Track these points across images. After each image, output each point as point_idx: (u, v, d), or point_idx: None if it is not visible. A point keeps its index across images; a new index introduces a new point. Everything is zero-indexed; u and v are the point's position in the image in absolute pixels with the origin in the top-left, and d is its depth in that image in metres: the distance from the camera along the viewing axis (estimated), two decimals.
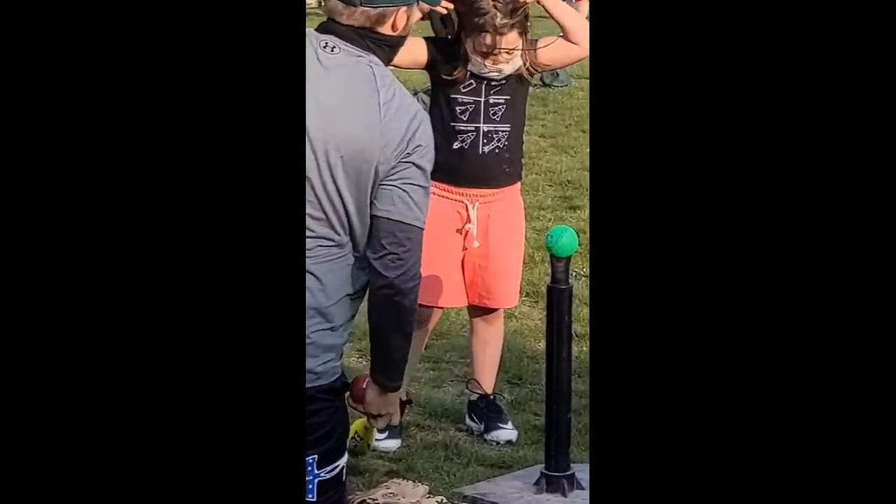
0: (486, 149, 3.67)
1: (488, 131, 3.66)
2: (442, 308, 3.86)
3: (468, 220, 3.70)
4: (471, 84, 3.66)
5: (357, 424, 3.02)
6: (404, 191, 2.73)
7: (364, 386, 2.81)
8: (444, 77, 3.68)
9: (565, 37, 3.66)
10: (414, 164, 2.71)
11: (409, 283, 2.72)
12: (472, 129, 3.65)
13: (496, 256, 3.77)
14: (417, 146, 2.70)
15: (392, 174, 2.67)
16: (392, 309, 2.73)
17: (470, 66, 3.61)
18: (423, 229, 2.73)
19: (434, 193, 3.36)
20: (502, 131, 3.68)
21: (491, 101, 3.67)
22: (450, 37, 3.67)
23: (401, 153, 2.72)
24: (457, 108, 3.64)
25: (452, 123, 3.64)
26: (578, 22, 3.71)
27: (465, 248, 3.72)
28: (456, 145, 3.64)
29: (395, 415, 2.92)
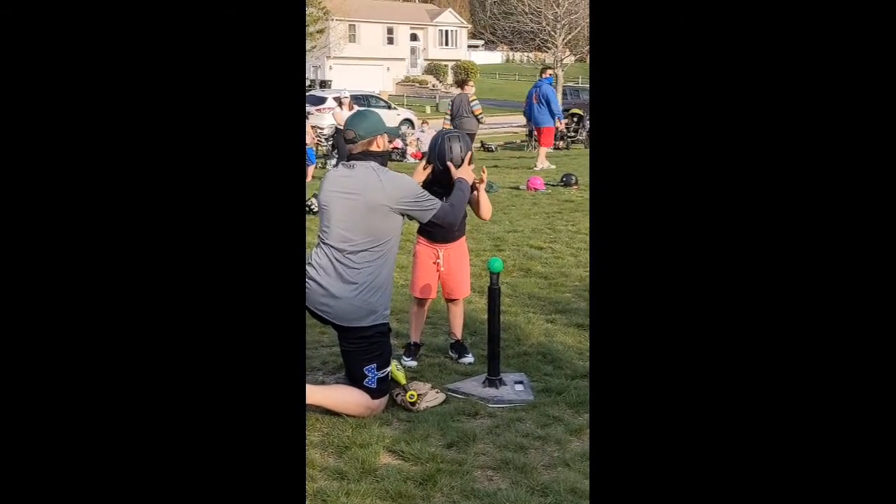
0: None
1: None
2: (430, 299, 4.40)
3: (439, 258, 4.31)
4: (439, 194, 4.01)
5: (396, 375, 3.71)
6: (422, 209, 3.62)
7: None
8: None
9: (478, 212, 4.29)
10: (413, 201, 3.61)
11: (456, 220, 3.79)
12: None
13: (453, 274, 4.35)
14: (418, 196, 3.63)
15: (408, 209, 3.60)
16: (453, 216, 3.77)
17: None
18: (437, 210, 3.61)
19: (423, 244, 4.25)
20: None
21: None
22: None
23: (408, 201, 3.57)
24: None
25: None
26: (486, 208, 4.29)
27: (438, 271, 4.34)
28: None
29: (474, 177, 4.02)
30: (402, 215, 3.60)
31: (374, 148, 3.68)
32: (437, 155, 4.11)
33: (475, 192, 4.18)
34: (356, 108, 15.67)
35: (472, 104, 13.72)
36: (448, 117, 14.09)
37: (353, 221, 3.54)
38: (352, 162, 3.69)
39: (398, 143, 17.87)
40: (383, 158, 3.72)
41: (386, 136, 3.71)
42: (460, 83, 14.41)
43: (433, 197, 3.69)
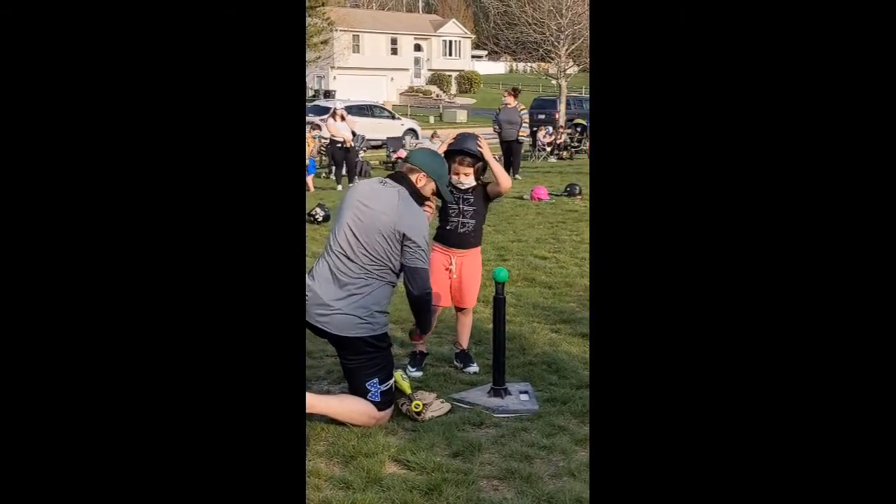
0: (462, 230, 4.35)
1: (464, 222, 4.36)
2: (441, 306, 4.43)
3: (451, 264, 4.39)
4: (456, 199, 4.28)
5: (401, 384, 3.75)
6: (413, 252, 3.60)
7: (417, 334, 3.89)
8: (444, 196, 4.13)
9: (497, 183, 4.30)
10: (415, 238, 3.56)
11: (425, 293, 3.63)
12: (456, 220, 4.36)
13: (464, 282, 4.40)
14: (421, 240, 3.60)
15: (407, 243, 3.59)
16: (421, 303, 3.65)
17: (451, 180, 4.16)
18: (426, 268, 3.59)
19: (437, 250, 4.26)
20: (471, 222, 4.37)
21: (464, 207, 4.34)
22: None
23: (410, 237, 3.55)
24: (450, 212, 4.34)
25: (447, 217, 4.33)
26: (503, 176, 4.33)
27: (450, 278, 4.40)
28: (449, 227, 4.35)
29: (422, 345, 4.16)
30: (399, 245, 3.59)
31: (413, 179, 3.75)
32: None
33: (490, 167, 4.26)
34: (348, 117, 15.73)
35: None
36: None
37: (359, 230, 3.57)
38: (386, 179, 3.78)
39: (402, 153, 17.91)
40: (415, 193, 3.75)
41: (433, 182, 3.78)
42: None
43: (427, 259, 3.66)
